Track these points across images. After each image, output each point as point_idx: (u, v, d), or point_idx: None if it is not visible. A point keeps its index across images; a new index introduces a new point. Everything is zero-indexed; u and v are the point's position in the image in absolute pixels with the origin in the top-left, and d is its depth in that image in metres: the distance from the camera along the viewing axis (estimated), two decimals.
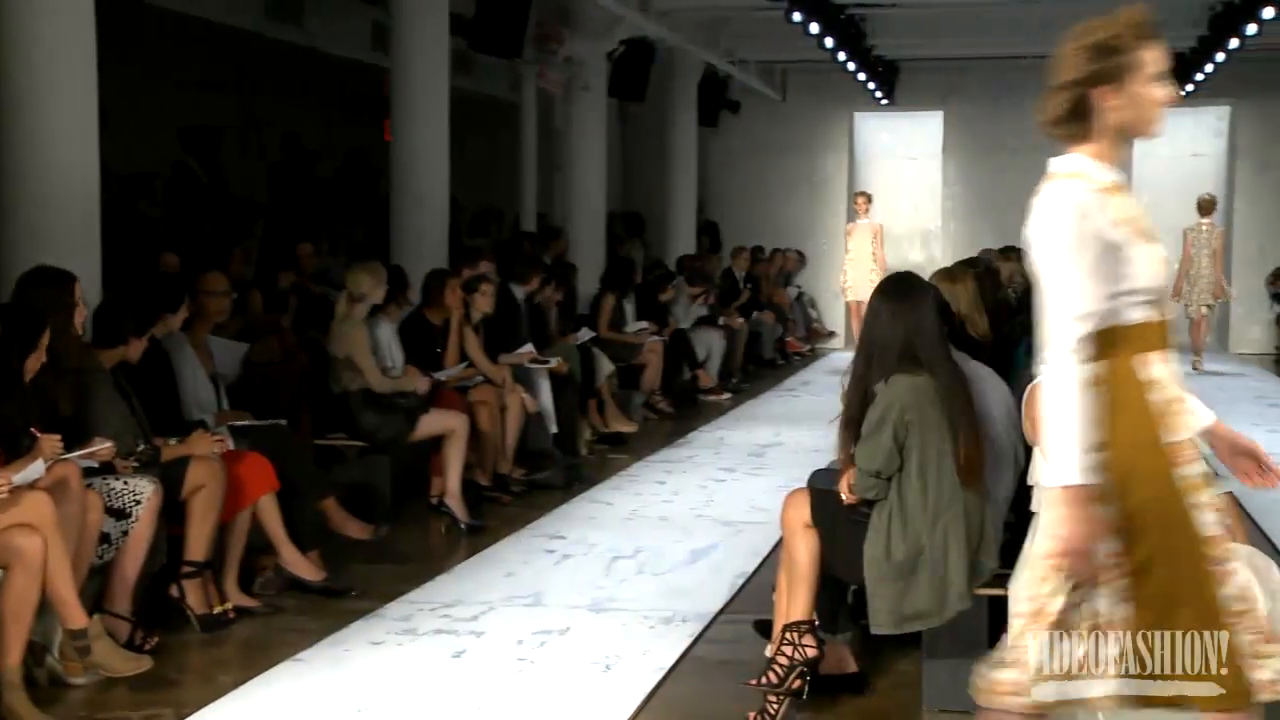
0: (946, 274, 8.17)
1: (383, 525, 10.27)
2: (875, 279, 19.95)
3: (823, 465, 8.19)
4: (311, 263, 14.10)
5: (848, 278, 23.53)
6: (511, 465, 12.39)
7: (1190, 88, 23.20)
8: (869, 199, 23.74)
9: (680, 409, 17.78)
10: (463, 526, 10.93)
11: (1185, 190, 24.90)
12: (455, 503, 11.03)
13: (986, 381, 7.00)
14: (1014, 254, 16.48)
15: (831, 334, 27.34)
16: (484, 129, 22.72)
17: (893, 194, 28.08)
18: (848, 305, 24.46)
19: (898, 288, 6.65)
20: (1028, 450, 6.63)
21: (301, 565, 9.00)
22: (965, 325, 7.77)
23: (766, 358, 23.24)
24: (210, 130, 16.64)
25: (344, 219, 17.78)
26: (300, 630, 8.17)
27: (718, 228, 27.72)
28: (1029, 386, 6.11)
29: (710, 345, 19.59)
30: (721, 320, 20.62)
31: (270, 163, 19.56)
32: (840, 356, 24.09)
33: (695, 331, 19.46)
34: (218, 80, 19.27)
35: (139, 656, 7.46)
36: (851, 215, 25.41)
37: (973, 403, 6.59)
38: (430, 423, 11.17)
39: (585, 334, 15.60)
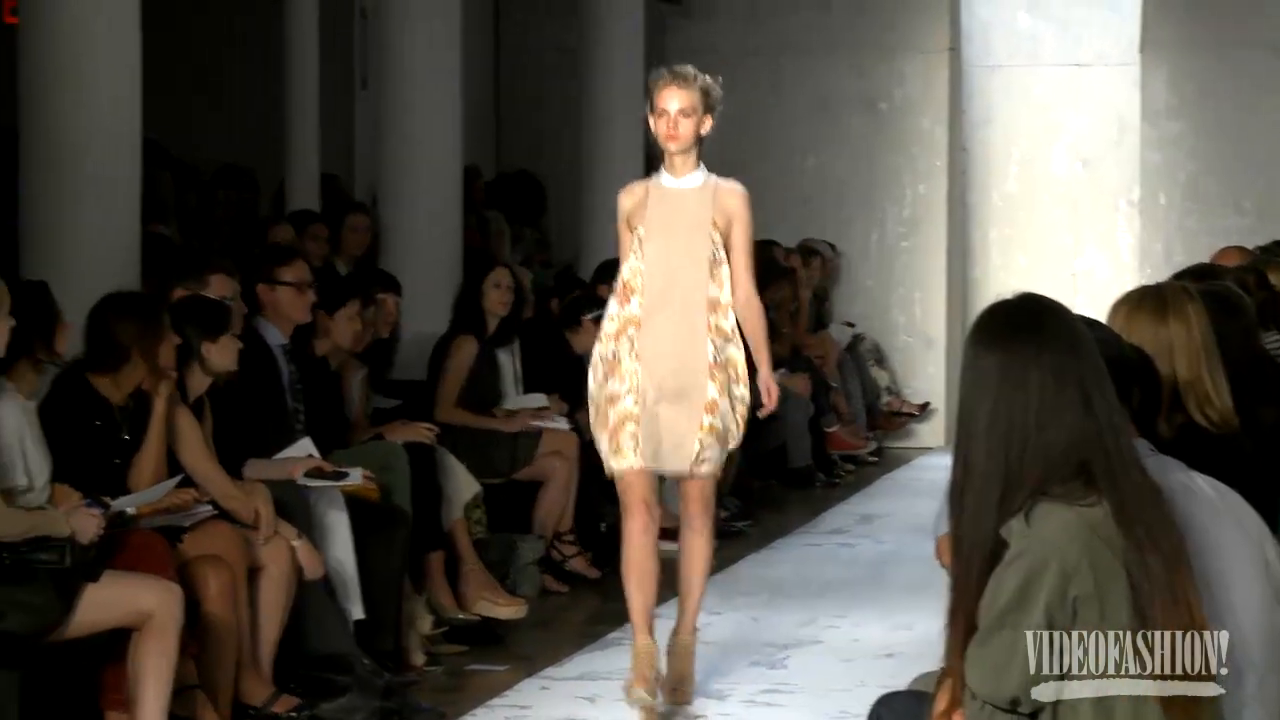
0: (1148, 301, 4.96)
1: None
2: (727, 370, 7.44)
3: (899, 684, 5.00)
4: None
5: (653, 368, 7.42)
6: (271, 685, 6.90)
7: None
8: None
9: (613, 567, 8.83)
10: None
11: None
12: None
13: (1224, 516, 4.07)
14: None
15: (923, 409, 15.62)
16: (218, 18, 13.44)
17: (1029, 136, 16.41)
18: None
19: (1031, 325, 3.83)
20: None
21: None
22: (1186, 402, 4.85)
23: (794, 465, 13.31)
24: None
25: None
26: None
27: None
28: None
29: None
30: None
31: None
32: (942, 461, 10.71)
33: None
34: None
35: None
36: (920, 173, 15.29)
37: (1189, 560, 3.73)
38: (97, 607, 6.03)
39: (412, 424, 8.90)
